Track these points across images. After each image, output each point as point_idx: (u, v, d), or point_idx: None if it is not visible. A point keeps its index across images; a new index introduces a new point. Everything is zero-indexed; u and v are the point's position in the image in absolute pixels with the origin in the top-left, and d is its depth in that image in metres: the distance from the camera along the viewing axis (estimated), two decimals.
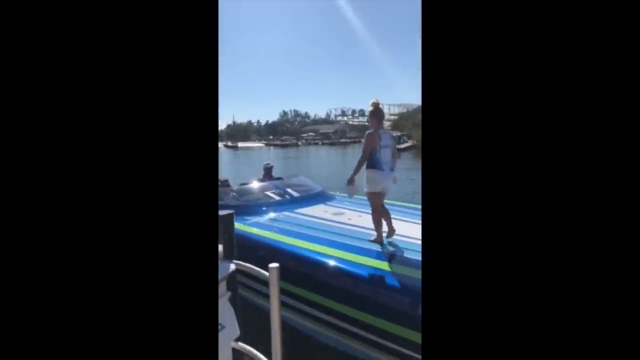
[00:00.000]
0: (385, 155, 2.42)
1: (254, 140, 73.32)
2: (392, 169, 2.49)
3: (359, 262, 2.19)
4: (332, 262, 2.22)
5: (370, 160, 2.41)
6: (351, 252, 2.31)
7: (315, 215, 3.28)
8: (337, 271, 2.17)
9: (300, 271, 2.31)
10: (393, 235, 2.49)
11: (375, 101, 2.49)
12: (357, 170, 2.48)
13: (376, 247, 2.41)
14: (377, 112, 2.49)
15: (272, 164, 5.00)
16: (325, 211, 3.39)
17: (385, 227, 2.49)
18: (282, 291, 2.25)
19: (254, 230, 2.87)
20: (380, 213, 2.47)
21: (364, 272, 2.09)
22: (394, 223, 2.55)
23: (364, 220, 2.94)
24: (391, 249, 2.40)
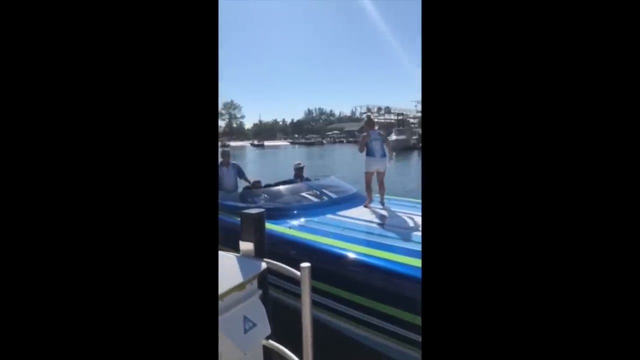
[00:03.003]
0: (375, 145, 3.64)
1: (279, 139, 74.15)
2: (383, 155, 3.67)
3: None
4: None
5: (367, 151, 3.68)
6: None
7: (366, 218, 3.11)
8: None
9: (401, 292, 2.03)
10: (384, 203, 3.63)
11: (368, 114, 4.74)
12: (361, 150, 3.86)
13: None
14: (369, 122, 3.92)
15: (303, 164, 4.86)
16: (372, 213, 3.28)
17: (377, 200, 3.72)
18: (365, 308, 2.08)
19: (315, 238, 2.62)
20: (370, 186, 3.69)
21: None
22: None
23: (417, 221, 2.82)
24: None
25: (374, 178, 3.71)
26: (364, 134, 3.75)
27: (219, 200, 3.95)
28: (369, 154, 3.66)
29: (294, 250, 2.56)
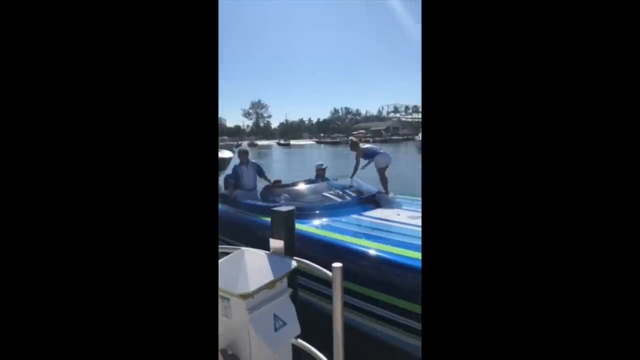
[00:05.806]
0: (371, 149, 4.65)
1: (305, 138, 74.61)
2: (376, 154, 4.55)
3: None
4: None
5: (368, 155, 4.57)
6: None
7: (393, 219, 3.04)
8: None
9: None
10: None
11: (351, 137, 5.18)
12: (355, 172, 4.55)
13: None
14: (355, 144, 4.65)
15: (325, 165, 4.86)
16: (398, 214, 3.20)
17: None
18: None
19: (344, 238, 2.58)
20: (383, 178, 4.43)
21: None
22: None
23: None
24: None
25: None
26: (356, 154, 4.56)
27: (239, 199, 3.99)
28: (370, 156, 4.56)
29: (320, 250, 2.54)
